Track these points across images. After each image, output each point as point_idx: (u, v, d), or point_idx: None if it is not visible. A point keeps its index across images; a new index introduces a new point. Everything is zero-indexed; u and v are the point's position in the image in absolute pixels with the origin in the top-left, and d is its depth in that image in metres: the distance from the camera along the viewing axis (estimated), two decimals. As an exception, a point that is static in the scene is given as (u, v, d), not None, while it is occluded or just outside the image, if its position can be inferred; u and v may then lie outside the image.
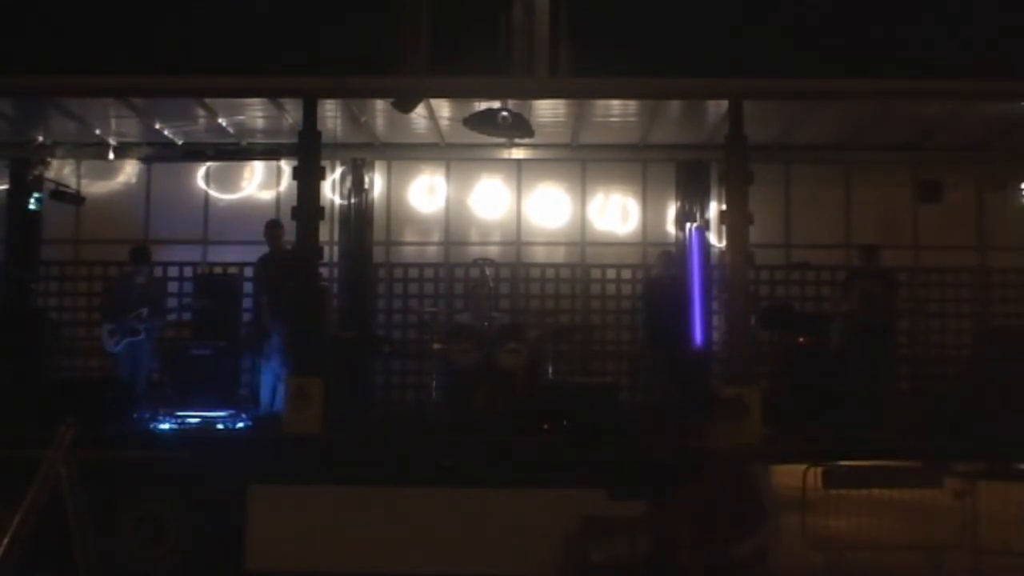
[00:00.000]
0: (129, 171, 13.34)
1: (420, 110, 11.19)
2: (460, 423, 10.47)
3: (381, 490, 9.09)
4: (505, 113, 10.92)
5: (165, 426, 10.39)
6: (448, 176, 13.28)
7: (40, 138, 12.59)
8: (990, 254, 12.95)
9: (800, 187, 13.04)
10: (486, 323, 11.43)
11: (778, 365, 12.09)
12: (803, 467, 8.36)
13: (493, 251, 12.94)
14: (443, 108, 11.53)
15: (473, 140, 11.90)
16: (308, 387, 9.76)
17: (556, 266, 13.28)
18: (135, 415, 10.45)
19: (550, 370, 11.42)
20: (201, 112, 11.64)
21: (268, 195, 13.21)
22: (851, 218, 13.01)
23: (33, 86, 10.76)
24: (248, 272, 12.31)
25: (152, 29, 12.89)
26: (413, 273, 13.23)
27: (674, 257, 12.14)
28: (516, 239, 13.28)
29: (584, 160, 13.18)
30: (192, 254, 13.17)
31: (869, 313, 11.07)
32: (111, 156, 12.85)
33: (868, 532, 7.99)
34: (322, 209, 10.60)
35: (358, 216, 12.70)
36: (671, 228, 12.96)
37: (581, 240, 13.27)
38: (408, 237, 13.36)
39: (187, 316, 12.19)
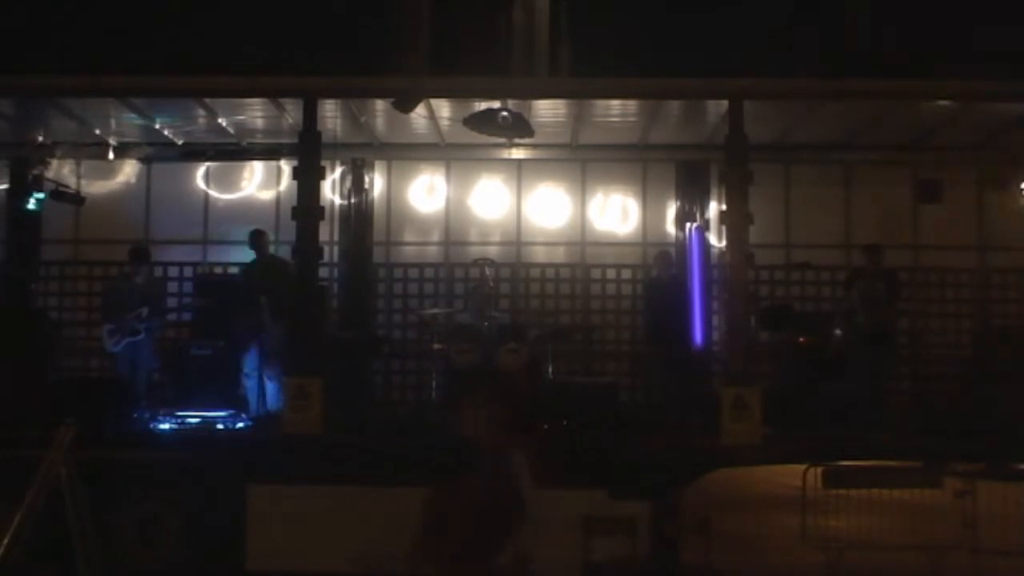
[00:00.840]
0: (129, 171, 13.35)
1: (420, 110, 11.19)
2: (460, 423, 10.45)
3: (381, 490, 9.07)
4: (505, 113, 10.92)
5: (165, 426, 10.38)
6: (448, 176, 13.29)
7: (40, 138, 12.59)
8: (990, 254, 12.95)
9: (800, 187, 13.04)
10: (486, 323, 11.43)
11: (778, 365, 12.10)
12: (803, 467, 8.35)
13: (493, 251, 12.93)
14: (443, 108, 11.53)
15: (473, 140, 11.90)
16: (308, 387, 9.76)
17: (556, 266, 13.29)
18: (135, 415, 10.45)
19: (550, 370, 11.41)
20: (201, 112, 11.64)
21: (268, 195, 13.22)
22: (851, 218, 13.02)
23: (33, 86, 10.76)
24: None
25: (152, 29, 12.87)
26: (413, 273, 13.24)
27: (672, 257, 12.14)
28: (516, 239, 13.28)
29: (584, 160, 13.18)
30: (192, 254, 13.18)
31: (870, 313, 11.06)
32: (111, 156, 12.85)
33: (868, 532, 7.99)
34: (322, 209, 10.60)
35: (358, 216, 12.71)
36: (671, 228, 12.98)
37: (581, 240, 13.27)
38: (408, 237, 13.36)
39: (187, 316, 12.20)
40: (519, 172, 13.28)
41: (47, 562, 7.67)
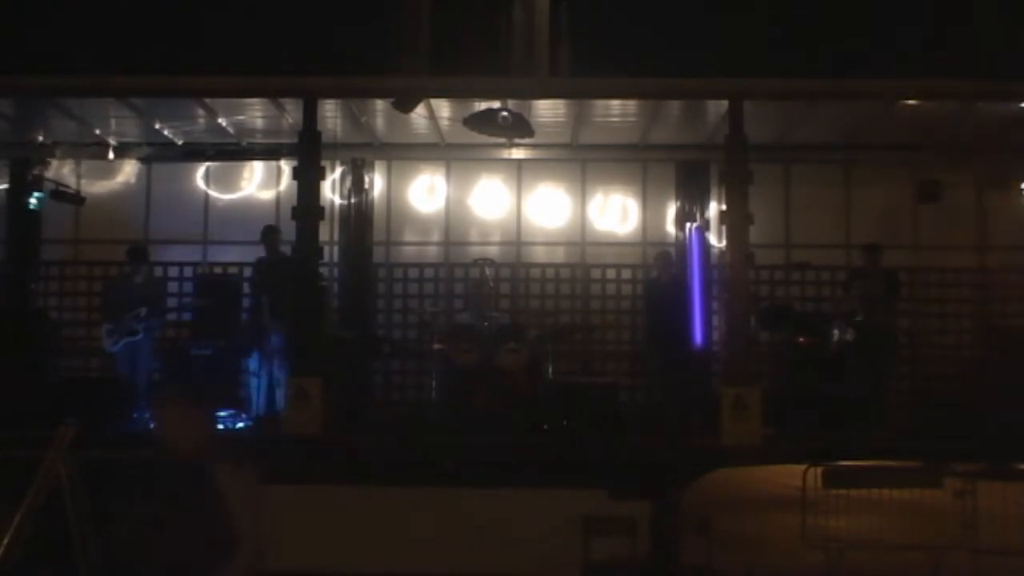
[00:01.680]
0: (129, 171, 13.35)
1: (420, 110, 11.19)
2: (460, 423, 10.48)
3: (381, 490, 9.08)
4: (505, 113, 10.92)
5: (165, 426, 10.36)
6: (448, 176, 13.29)
7: (40, 138, 12.59)
8: (990, 254, 12.94)
9: (800, 187, 13.04)
10: (486, 323, 11.43)
11: (778, 365, 12.10)
12: (803, 467, 8.35)
13: (493, 251, 12.94)
14: (443, 108, 11.53)
15: (473, 140, 11.89)
16: (308, 387, 9.76)
17: (556, 266, 13.28)
18: (135, 415, 10.45)
19: (550, 370, 11.41)
20: (201, 112, 11.64)
21: (268, 195, 13.22)
22: (851, 218, 13.02)
23: (33, 86, 10.76)
24: (248, 272, 12.32)
25: (152, 29, 12.87)
26: (413, 273, 13.23)
27: (673, 258, 12.14)
28: (516, 239, 13.28)
29: (584, 160, 13.18)
30: (192, 254, 13.18)
31: (870, 313, 11.06)
32: (111, 156, 12.86)
33: (868, 532, 7.98)
34: (322, 209, 10.61)
35: (358, 216, 12.71)
36: (671, 228, 12.97)
37: (581, 240, 13.27)
38: (408, 237, 13.36)
39: (187, 316, 12.20)
40: (519, 172, 13.28)
41: (47, 562, 7.67)
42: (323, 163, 10.69)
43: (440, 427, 10.51)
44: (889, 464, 8.48)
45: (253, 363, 11.30)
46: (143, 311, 10.93)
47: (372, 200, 12.95)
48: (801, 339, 11.54)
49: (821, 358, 11.30)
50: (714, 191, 12.19)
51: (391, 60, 12.41)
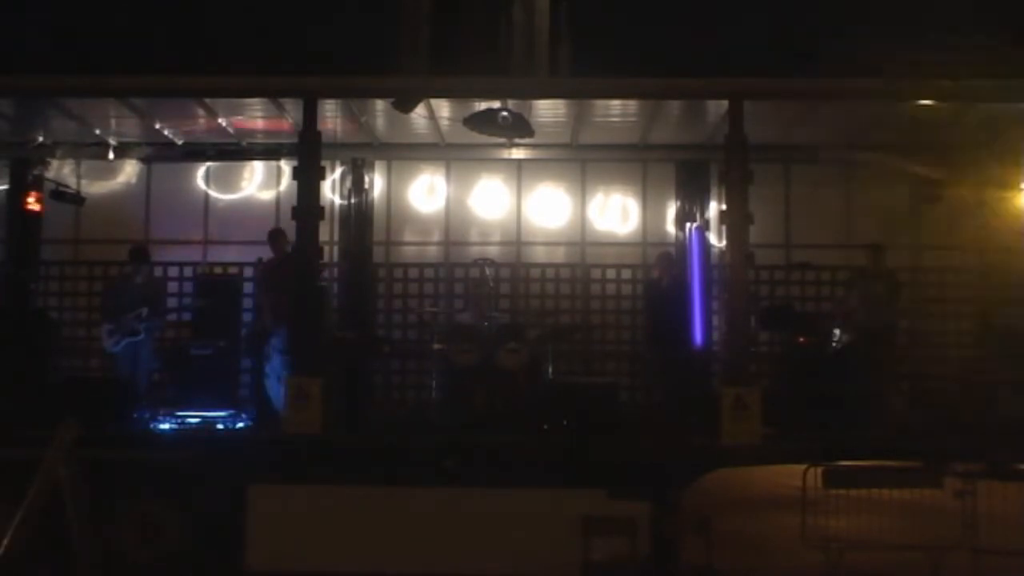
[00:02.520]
0: (129, 171, 13.36)
1: (420, 110, 11.20)
2: (460, 423, 10.48)
3: (381, 490, 9.09)
4: (505, 113, 10.92)
5: (165, 426, 10.39)
6: (448, 176, 13.29)
7: (40, 138, 12.59)
8: (990, 254, 12.94)
9: (800, 187, 13.05)
10: (486, 323, 11.43)
11: (778, 365, 12.10)
12: (803, 467, 8.35)
13: (493, 251, 12.94)
14: (443, 108, 11.53)
15: (473, 140, 11.90)
16: (308, 387, 9.77)
17: (556, 266, 13.29)
18: (135, 415, 10.46)
19: (550, 370, 11.41)
20: (201, 112, 11.64)
21: (268, 195, 13.23)
22: (851, 218, 13.02)
23: (33, 86, 10.76)
24: (248, 272, 12.32)
25: (152, 29, 12.88)
26: (413, 273, 13.23)
27: (674, 258, 12.14)
28: (516, 239, 13.28)
29: (584, 160, 13.19)
30: (192, 254, 13.18)
31: (871, 313, 11.06)
32: (111, 156, 12.85)
33: (868, 532, 7.97)
34: (322, 209, 10.61)
35: (358, 216, 12.71)
36: (671, 228, 12.98)
37: (581, 240, 13.28)
38: (408, 237, 13.37)
39: (187, 316, 12.20)
40: (519, 172, 13.28)
41: (47, 562, 7.67)
42: (323, 163, 10.70)
43: (440, 427, 10.51)
44: (889, 464, 8.48)
45: (253, 363, 11.29)
46: (145, 311, 10.93)
47: (372, 200, 12.96)
48: (801, 339, 11.53)
49: (821, 358, 11.29)
50: (714, 191, 12.20)
51: (391, 60, 12.42)
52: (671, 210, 12.98)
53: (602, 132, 12.39)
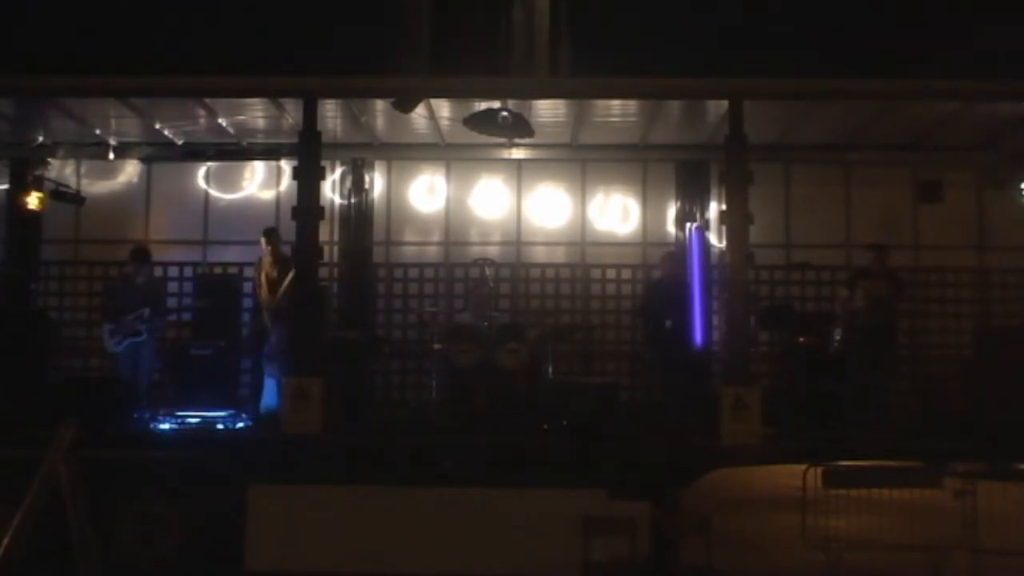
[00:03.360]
0: (129, 171, 13.36)
1: (420, 110, 11.20)
2: (460, 423, 10.48)
3: (381, 490, 9.09)
4: (505, 113, 10.92)
5: (165, 426, 10.39)
6: (448, 176, 13.29)
7: (40, 138, 12.60)
8: (990, 254, 12.95)
9: (800, 187, 13.05)
10: (486, 323, 11.43)
11: (778, 365, 12.10)
12: (803, 467, 8.36)
13: (493, 251, 12.93)
14: (443, 108, 11.54)
15: (473, 140, 11.90)
16: (308, 387, 9.76)
17: (556, 266, 13.28)
18: (136, 415, 10.46)
19: (550, 370, 11.41)
20: (201, 112, 11.64)
21: (268, 195, 13.22)
22: (851, 218, 13.02)
23: (33, 86, 10.76)
24: (248, 272, 12.31)
25: (152, 29, 12.87)
26: (413, 273, 13.23)
27: (678, 259, 12.13)
28: (516, 239, 13.28)
29: (584, 160, 13.19)
30: (192, 254, 13.18)
31: (874, 313, 11.06)
32: (111, 156, 12.85)
33: (868, 532, 8.00)
34: (322, 209, 10.60)
35: (358, 216, 12.72)
36: (671, 228, 12.99)
37: (581, 240, 13.27)
38: (408, 237, 13.36)
39: (187, 316, 12.20)
40: (519, 172, 13.28)
41: (47, 562, 7.67)
42: (323, 163, 10.69)
43: (440, 427, 10.51)
44: (889, 464, 8.49)
45: (253, 363, 11.29)
46: (146, 312, 10.93)
47: (372, 200, 12.96)
48: (801, 339, 11.53)
49: (821, 358, 11.29)
50: (714, 191, 12.21)
51: (391, 60, 12.40)
52: (671, 210, 12.98)
53: (602, 132, 12.40)
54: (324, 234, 11.49)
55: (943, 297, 12.94)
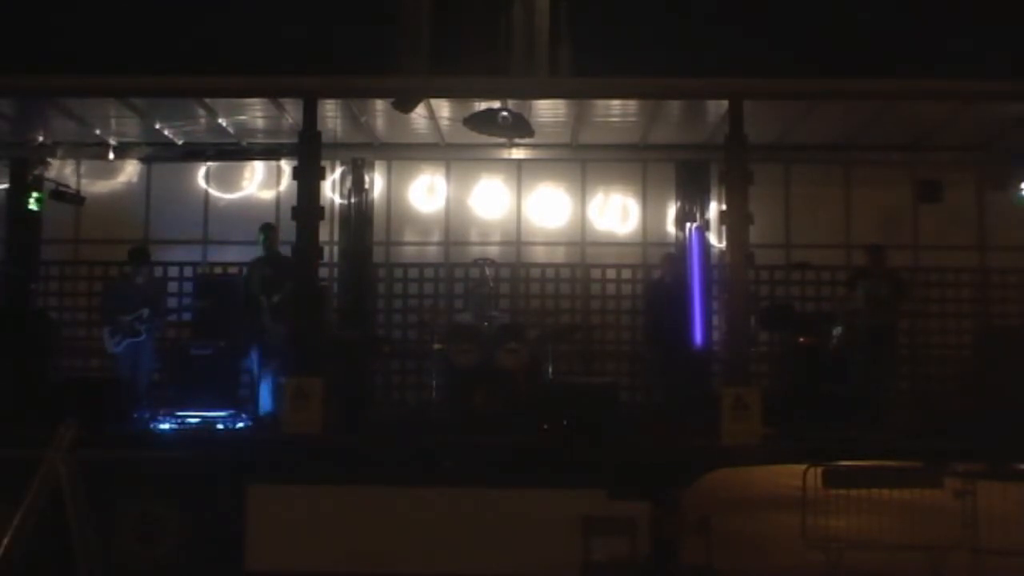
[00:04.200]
0: (129, 171, 13.36)
1: (420, 110, 11.19)
2: (460, 423, 10.48)
3: (381, 490, 9.09)
4: (505, 113, 10.92)
5: (165, 426, 10.39)
6: (448, 176, 13.29)
7: (40, 138, 12.59)
8: (990, 254, 12.95)
9: (800, 187, 13.05)
10: (486, 323, 11.43)
11: (778, 365, 12.10)
12: (803, 467, 8.36)
13: (493, 251, 12.93)
14: (443, 108, 11.53)
15: (473, 140, 11.90)
16: (308, 387, 9.76)
17: (556, 266, 13.28)
18: (135, 415, 10.46)
19: (550, 370, 11.41)
20: (201, 112, 11.64)
21: (268, 195, 13.22)
22: (851, 218, 13.02)
23: (33, 86, 10.76)
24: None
25: (152, 29, 12.88)
26: (413, 273, 13.23)
27: (679, 260, 12.13)
28: (516, 239, 13.28)
29: (584, 160, 13.18)
30: (192, 254, 13.18)
31: (874, 313, 11.06)
32: (111, 156, 12.85)
33: (868, 532, 7.99)
34: (322, 209, 10.60)
35: (358, 216, 12.72)
36: (671, 228, 12.98)
37: (581, 240, 13.27)
38: (408, 237, 13.36)
39: (187, 316, 12.20)
40: (519, 172, 13.28)
41: (47, 562, 7.67)
42: (323, 163, 10.69)
43: (440, 427, 10.50)
44: (889, 464, 8.48)
45: (252, 363, 11.28)
46: (146, 312, 10.93)
47: (372, 200, 12.96)
48: (801, 339, 11.53)
49: (821, 358, 11.29)
50: (714, 191, 12.20)
51: (391, 60, 12.42)
52: (671, 210, 12.98)
53: (602, 132, 12.39)
54: (324, 234, 11.47)
55: (943, 297, 12.94)
